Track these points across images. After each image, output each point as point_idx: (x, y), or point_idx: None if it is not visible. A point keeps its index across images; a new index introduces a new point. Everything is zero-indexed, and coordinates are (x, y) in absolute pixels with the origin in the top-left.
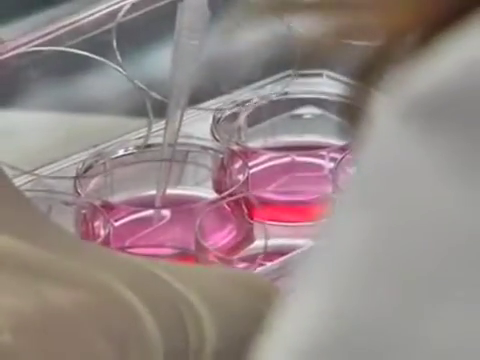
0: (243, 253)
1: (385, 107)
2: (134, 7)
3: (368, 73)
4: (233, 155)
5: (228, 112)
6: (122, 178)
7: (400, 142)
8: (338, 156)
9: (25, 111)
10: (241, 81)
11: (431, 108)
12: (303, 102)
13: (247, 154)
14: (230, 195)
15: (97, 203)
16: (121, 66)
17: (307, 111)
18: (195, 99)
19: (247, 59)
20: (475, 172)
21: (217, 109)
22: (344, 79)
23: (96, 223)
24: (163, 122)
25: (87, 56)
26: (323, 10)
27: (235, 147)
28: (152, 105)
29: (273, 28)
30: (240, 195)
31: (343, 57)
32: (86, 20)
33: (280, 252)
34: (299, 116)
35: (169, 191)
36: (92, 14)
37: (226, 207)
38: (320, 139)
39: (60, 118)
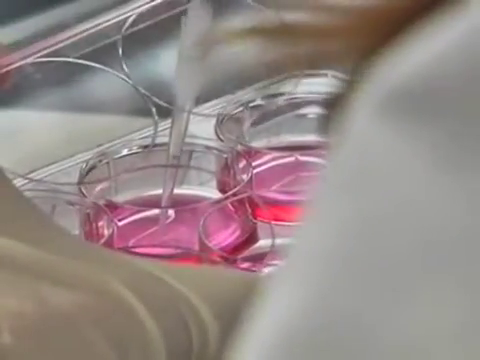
0: (247, 253)
1: (361, 101)
2: (139, 18)
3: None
4: (237, 155)
5: (232, 112)
6: (126, 178)
7: (376, 134)
8: None
9: (30, 111)
10: (245, 81)
11: (405, 99)
12: (307, 102)
13: (251, 154)
14: (234, 195)
15: (101, 203)
16: (127, 75)
17: (311, 111)
18: (199, 99)
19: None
20: (450, 162)
21: (221, 110)
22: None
23: (100, 223)
24: (167, 122)
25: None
26: (285, 37)
27: (239, 147)
28: (156, 106)
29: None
30: (244, 195)
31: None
32: (93, 30)
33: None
34: (303, 116)
35: (173, 191)
36: (99, 24)
37: (230, 207)
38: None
39: (64, 118)
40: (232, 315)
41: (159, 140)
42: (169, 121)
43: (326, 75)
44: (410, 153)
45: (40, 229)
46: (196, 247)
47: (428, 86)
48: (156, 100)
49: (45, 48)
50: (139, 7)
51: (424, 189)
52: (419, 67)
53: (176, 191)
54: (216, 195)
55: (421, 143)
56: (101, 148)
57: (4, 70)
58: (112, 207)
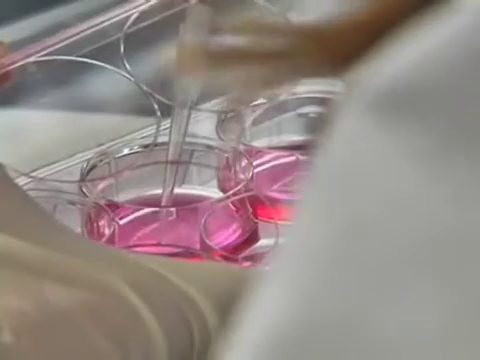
0: (248, 252)
1: (349, 102)
2: (141, 16)
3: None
4: (238, 154)
5: (233, 111)
6: (127, 177)
7: (363, 134)
8: None
9: (31, 110)
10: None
11: (391, 100)
12: (308, 101)
13: (252, 153)
14: (235, 194)
15: (102, 202)
16: (129, 73)
17: (312, 110)
18: (200, 99)
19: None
20: (436, 161)
21: (221, 109)
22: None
23: (101, 222)
24: (167, 122)
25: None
26: (256, 60)
27: (240, 146)
28: (158, 105)
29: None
30: (245, 194)
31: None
32: (95, 28)
33: None
34: (304, 115)
35: (174, 190)
36: (100, 23)
37: (231, 206)
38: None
39: (65, 117)
40: (234, 310)
41: (161, 139)
42: (168, 121)
43: None
44: (396, 152)
45: (42, 227)
46: (197, 246)
47: (413, 86)
48: (159, 97)
49: (47, 47)
50: (141, 5)
51: (410, 188)
52: (405, 68)
53: (177, 190)
54: (217, 194)
55: (407, 142)
56: (102, 147)
57: (6, 69)
58: (113, 206)
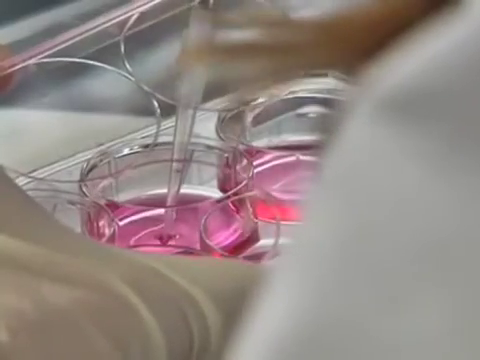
0: (248, 252)
1: (356, 103)
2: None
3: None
4: (238, 154)
5: (233, 111)
6: (127, 177)
7: (369, 137)
8: None
9: (32, 110)
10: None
11: (399, 103)
12: (308, 101)
13: (252, 153)
14: (235, 194)
15: (102, 202)
16: (130, 74)
17: (312, 110)
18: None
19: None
20: (443, 165)
21: (222, 108)
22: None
23: (101, 222)
24: (169, 121)
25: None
26: (256, 54)
27: (240, 146)
28: (159, 104)
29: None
30: (245, 194)
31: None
32: (95, 30)
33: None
34: (304, 115)
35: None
36: (101, 23)
37: (231, 206)
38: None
39: (65, 117)
40: (234, 308)
41: (161, 139)
42: (171, 120)
43: (326, 74)
44: (404, 155)
45: (41, 227)
46: (197, 246)
47: (422, 90)
48: (160, 97)
49: (47, 49)
50: (141, 6)
51: (417, 191)
52: (413, 71)
53: None
54: (217, 194)
55: (415, 145)
56: (102, 147)
57: (6, 72)
58: (113, 206)
